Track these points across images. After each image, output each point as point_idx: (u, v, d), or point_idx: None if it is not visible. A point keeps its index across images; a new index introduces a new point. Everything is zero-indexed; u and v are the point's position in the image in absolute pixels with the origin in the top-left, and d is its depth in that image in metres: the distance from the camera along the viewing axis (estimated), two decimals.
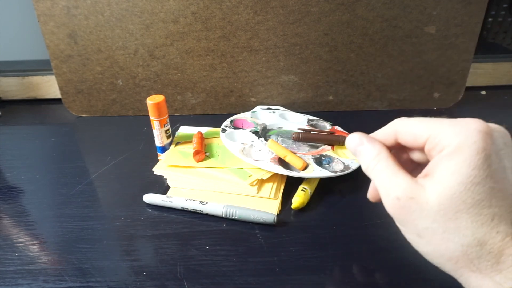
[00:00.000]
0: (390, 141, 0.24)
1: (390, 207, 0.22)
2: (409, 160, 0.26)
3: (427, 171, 0.22)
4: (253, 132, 0.47)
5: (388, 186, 0.22)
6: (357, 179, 0.42)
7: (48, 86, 0.61)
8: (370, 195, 0.28)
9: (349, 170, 0.41)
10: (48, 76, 0.60)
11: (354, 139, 0.25)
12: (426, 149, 0.22)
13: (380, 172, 0.23)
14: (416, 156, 0.25)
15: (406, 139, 0.23)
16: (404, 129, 0.23)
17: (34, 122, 0.57)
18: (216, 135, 0.48)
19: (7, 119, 0.58)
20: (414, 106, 0.58)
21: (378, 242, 0.34)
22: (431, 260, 0.22)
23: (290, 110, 0.55)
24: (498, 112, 0.57)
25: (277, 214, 0.37)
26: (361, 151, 0.24)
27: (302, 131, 0.46)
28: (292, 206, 0.37)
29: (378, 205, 0.38)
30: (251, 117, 0.51)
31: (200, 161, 0.43)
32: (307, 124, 0.51)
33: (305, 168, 0.40)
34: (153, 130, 0.44)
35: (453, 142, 0.20)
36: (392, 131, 0.24)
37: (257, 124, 0.49)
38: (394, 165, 0.23)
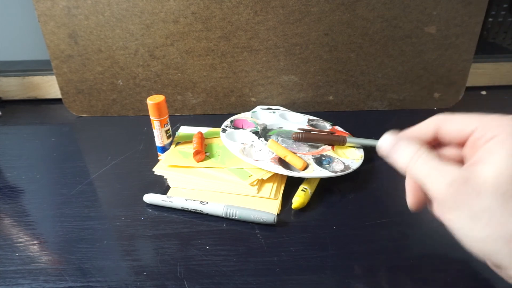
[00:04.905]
0: (428, 136, 0.24)
1: (443, 192, 0.21)
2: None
3: (476, 159, 0.21)
4: (253, 132, 0.47)
5: (438, 173, 0.22)
6: (357, 179, 0.42)
7: (49, 86, 0.61)
8: (412, 200, 0.26)
9: (349, 170, 0.41)
10: (49, 76, 0.60)
11: (388, 140, 0.24)
12: (471, 140, 0.22)
13: (424, 164, 0.22)
14: (449, 152, 0.25)
15: (450, 132, 0.23)
16: (448, 122, 0.24)
17: (34, 122, 0.57)
18: (216, 135, 0.48)
19: (7, 119, 0.58)
20: (414, 106, 0.58)
21: (378, 242, 0.34)
22: (482, 249, 0.21)
23: (290, 110, 0.55)
24: (498, 112, 0.57)
25: (277, 214, 0.37)
26: (397, 150, 0.24)
27: (302, 131, 0.46)
28: (292, 206, 0.37)
29: (378, 205, 0.38)
30: (251, 117, 0.51)
31: (200, 161, 0.43)
32: (307, 124, 0.51)
33: (305, 168, 0.40)
34: (153, 130, 0.44)
35: (504, 130, 0.21)
36: (432, 126, 0.24)
37: (257, 124, 0.49)
38: (437, 157, 0.22)
